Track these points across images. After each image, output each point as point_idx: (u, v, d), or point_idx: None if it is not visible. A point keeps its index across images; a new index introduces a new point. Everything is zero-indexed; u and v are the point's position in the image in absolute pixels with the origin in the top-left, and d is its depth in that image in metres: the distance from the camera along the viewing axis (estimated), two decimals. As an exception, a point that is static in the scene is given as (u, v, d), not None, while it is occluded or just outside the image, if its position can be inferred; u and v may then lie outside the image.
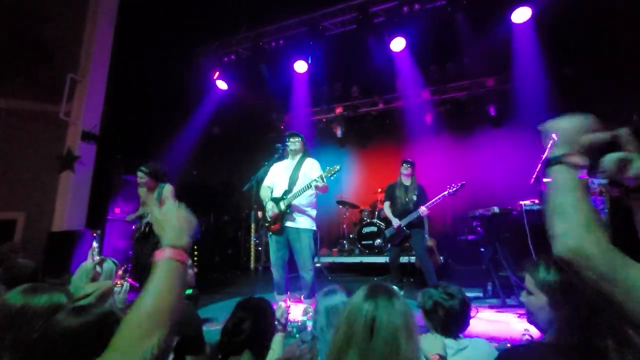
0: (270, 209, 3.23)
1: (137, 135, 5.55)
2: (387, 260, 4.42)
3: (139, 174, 3.70)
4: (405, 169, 4.20)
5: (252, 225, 3.84)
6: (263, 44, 6.16)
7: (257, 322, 1.40)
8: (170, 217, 0.80)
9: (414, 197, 4.08)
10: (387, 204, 4.31)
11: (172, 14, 5.72)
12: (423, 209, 3.93)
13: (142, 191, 3.95)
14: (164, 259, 0.73)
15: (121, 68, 5.27)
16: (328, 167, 3.06)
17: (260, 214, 3.58)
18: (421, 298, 1.52)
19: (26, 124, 4.73)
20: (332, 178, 3.03)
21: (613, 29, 4.74)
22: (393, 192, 4.26)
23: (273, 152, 3.55)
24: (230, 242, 7.07)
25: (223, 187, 7.20)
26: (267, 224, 3.29)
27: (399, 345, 0.89)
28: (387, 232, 4.28)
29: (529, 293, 1.09)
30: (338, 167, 3.03)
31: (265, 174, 3.47)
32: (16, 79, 4.74)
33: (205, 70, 6.70)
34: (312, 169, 3.30)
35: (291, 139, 3.41)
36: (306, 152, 3.48)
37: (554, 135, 0.75)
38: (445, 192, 3.93)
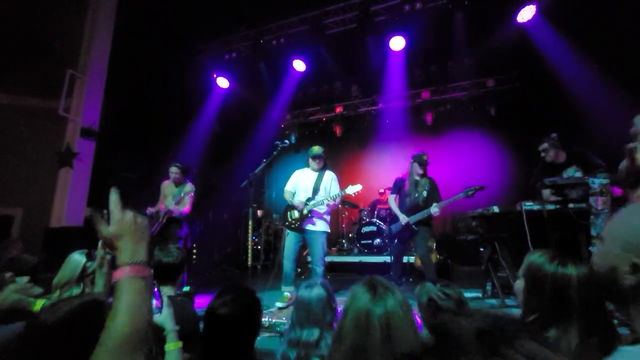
0: (298, 205, 3.68)
1: (137, 132, 5.53)
2: (389, 259, 4.33)
3: (173, 168, 4.04)
4: (418, 167, 3.87)
5: (250, 224, 3.88)
6: (264, 42, 6.15)
7: (239, 309, 1.29)
8: (122, 232, 0.73)
9: (424, 194, 3.85)
10: (392, 197, 4.10)
11: (172, 10, 5.70)
12: (436, 210, 3.70)
13: (165, 186, 4.09)
14: (125, 278, 0.69)
15: (121, 64, 5.26)
16: (351, 185, 3.54)
17: (285, 211, 3.90)
18: (418, 291, 1.51)
19: (25, 120, 4.72)
20: (353, 195, 3.57)
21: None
22: (402, 186, 4.02)
23: (272, 150, 3.60)
24: (229, 240, 7.07)
25: (223, 184, 7.18)
26: (287, 223, 3.72)
27: (410, 340, 0.84)
28: (394, 228, 4.04)
29: (517, 277, 1.13)
30: (360, 186, 3.53)
31: (263, 171, 3.67)
32: (16, 74, 4.73)
33: (206, 67, 6.68)
34: (331, 183, 3.80)
35: (317, 159, 3.78)
36: (326, 165, 3.91)
37: None
38: (461, 194, 3.70)
